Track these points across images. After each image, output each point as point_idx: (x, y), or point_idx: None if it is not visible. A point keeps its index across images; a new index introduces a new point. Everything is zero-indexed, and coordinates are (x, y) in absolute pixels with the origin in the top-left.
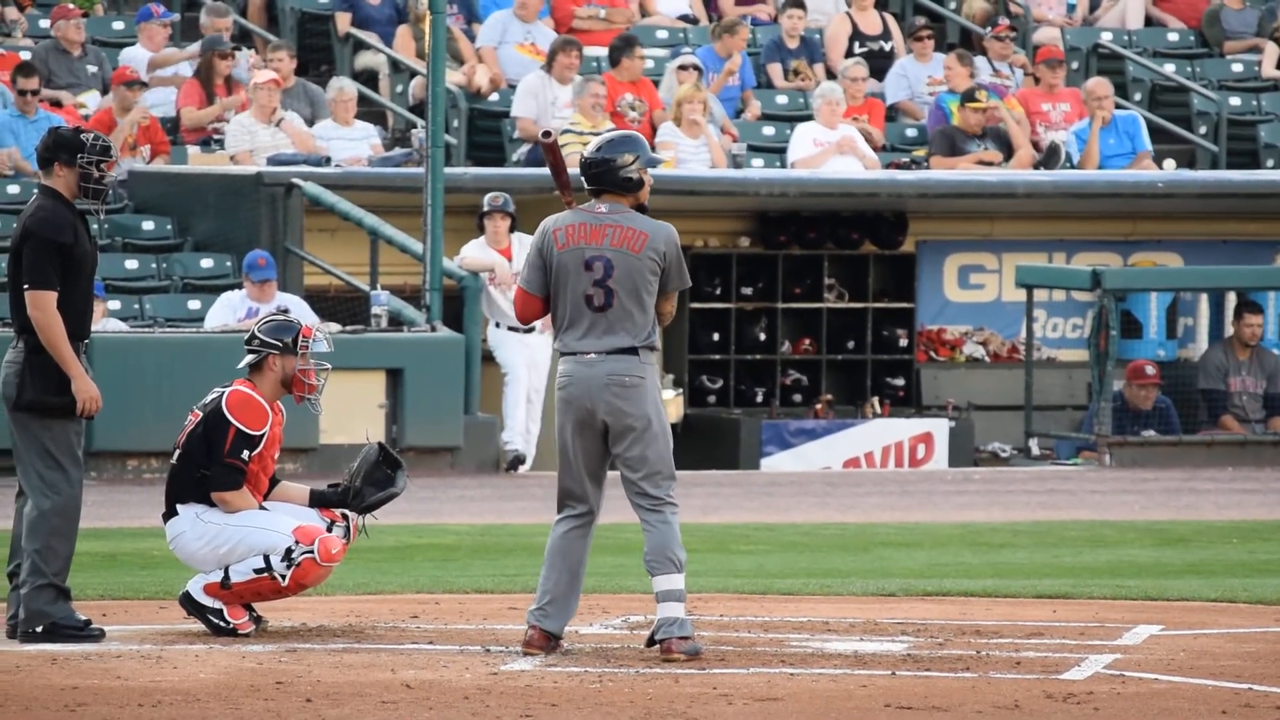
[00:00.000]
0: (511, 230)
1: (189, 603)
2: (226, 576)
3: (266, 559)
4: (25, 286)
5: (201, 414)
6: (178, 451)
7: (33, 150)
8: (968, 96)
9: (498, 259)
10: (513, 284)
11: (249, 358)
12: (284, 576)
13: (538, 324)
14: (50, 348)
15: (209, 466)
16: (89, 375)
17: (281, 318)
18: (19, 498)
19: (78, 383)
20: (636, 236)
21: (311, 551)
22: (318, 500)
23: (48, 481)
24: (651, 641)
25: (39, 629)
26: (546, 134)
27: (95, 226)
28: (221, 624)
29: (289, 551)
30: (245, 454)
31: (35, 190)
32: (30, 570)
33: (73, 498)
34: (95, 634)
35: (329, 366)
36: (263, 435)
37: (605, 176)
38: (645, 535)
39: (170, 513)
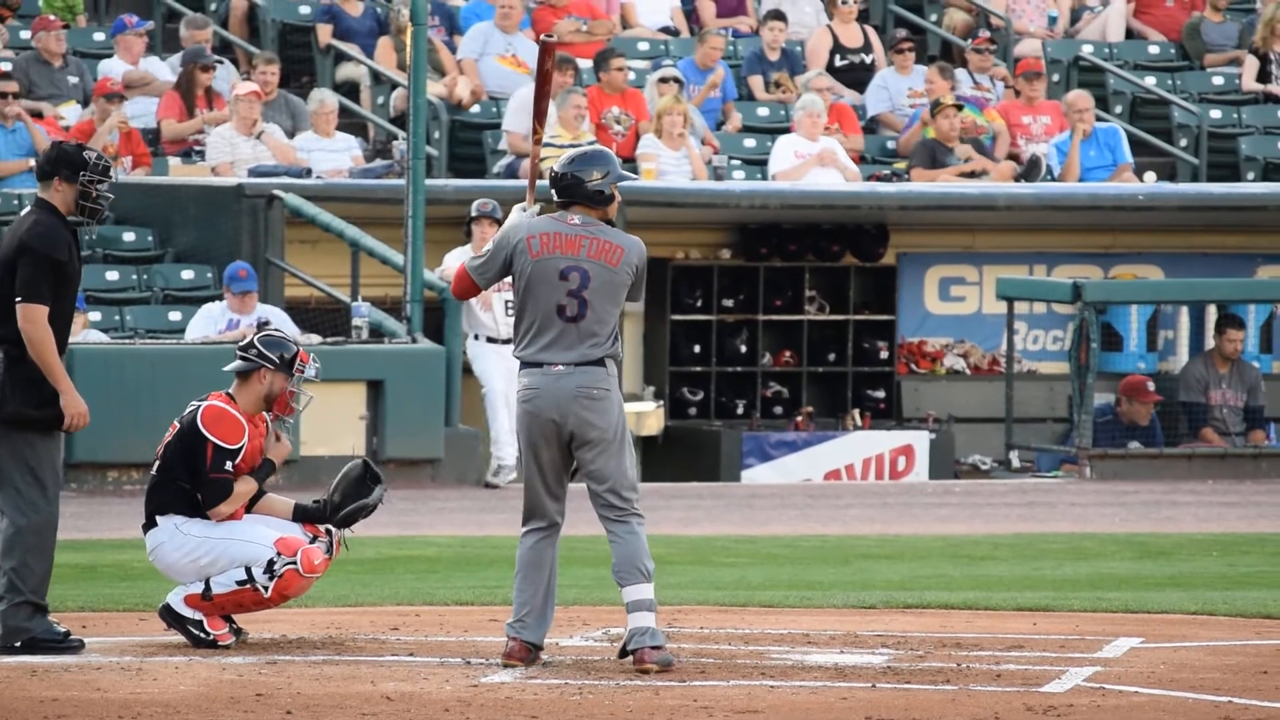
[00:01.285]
0: None
1: (169, 615)
2: (208, 588)
3: (248, 570)
4: (18, 299)
5: (179, 426)
6: (157, 462)
7: (8, 156)
8: (934, 106)
9: None
10: (492, 297)
11: (239, 364)
12: (266, 588)
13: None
14: (40, 361)
15: (190, 482)
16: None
17: (282, 335)
18: None
19: (66, 397)
20: (614, 249)
21: (294, 563)
22: (300, 515)
23: (26, 498)
24: (624, 652)
25: (17, 644)
26: (549, 35)
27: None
28: (202, 635)
29: (271, 563)
30: (228, 464)
31: (30, 203)
32: (6, 587)
33: (50, 515)
34: (74, 645)
35: (312, 396)
36: (240, 448)
37: (575, 190)
38: (612, 546)
39: (149, 524)
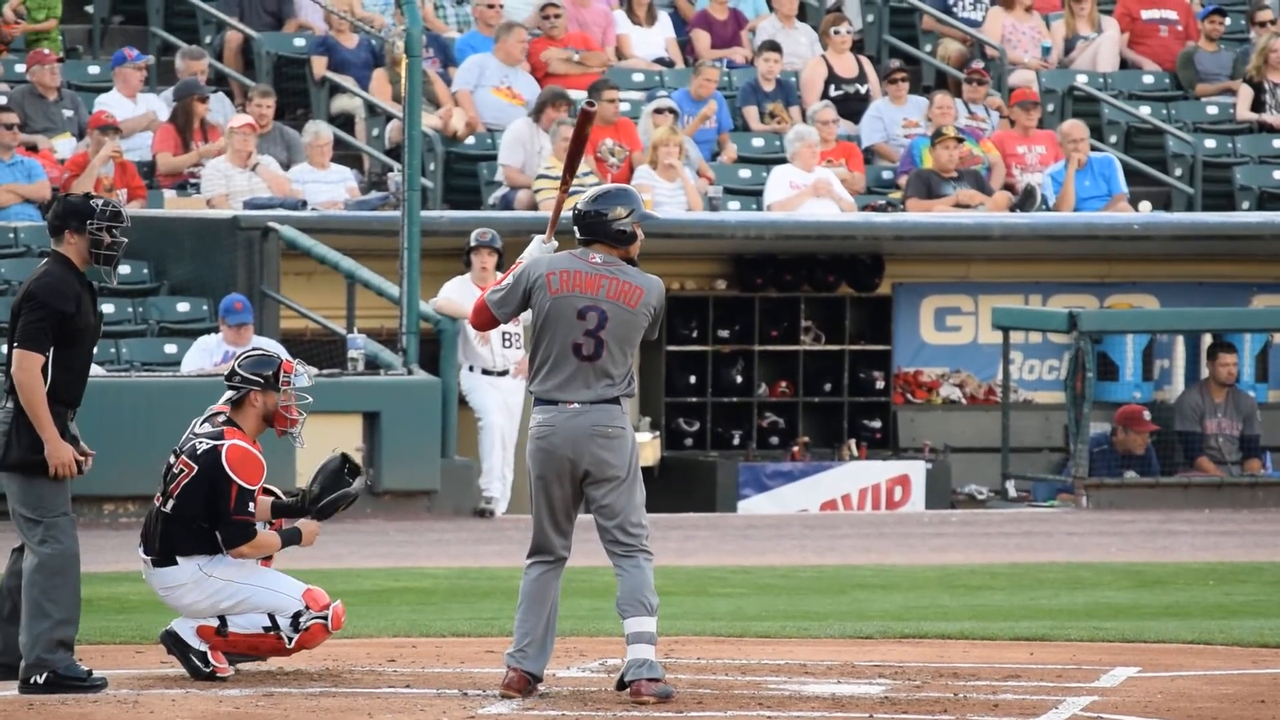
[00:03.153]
0: (498, 267)
1: (173, 641)
2: (224, 624)
3: (273, 618)
4: (14, 344)
5: (196, 466)
6: (171, 501)
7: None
8: (936, 135)
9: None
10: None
11: (229, 394)
12: (290, 639)
13: (511, 368)
14: (27, 407)
15: (209, 521)
16: (79, 442)
17: (261, 353)
18: (16, 551)
19: (50, 446)
20: (633, 291)
21: (324, 618)
22: (278, 510)
23: (41, 535)
24: (622, 684)
25: (40, 679)
26: (590, 103)
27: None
28: (202, 666)
29: (297, 616)
30: (251, 506)
31: (46, 257)
32: (31, 616)
33: (68, 548)
34: (98, 683)
35: (310, 399)
36: (258, 489)
37: (598, 228)
38: (618, 580)
39: (167, 561)
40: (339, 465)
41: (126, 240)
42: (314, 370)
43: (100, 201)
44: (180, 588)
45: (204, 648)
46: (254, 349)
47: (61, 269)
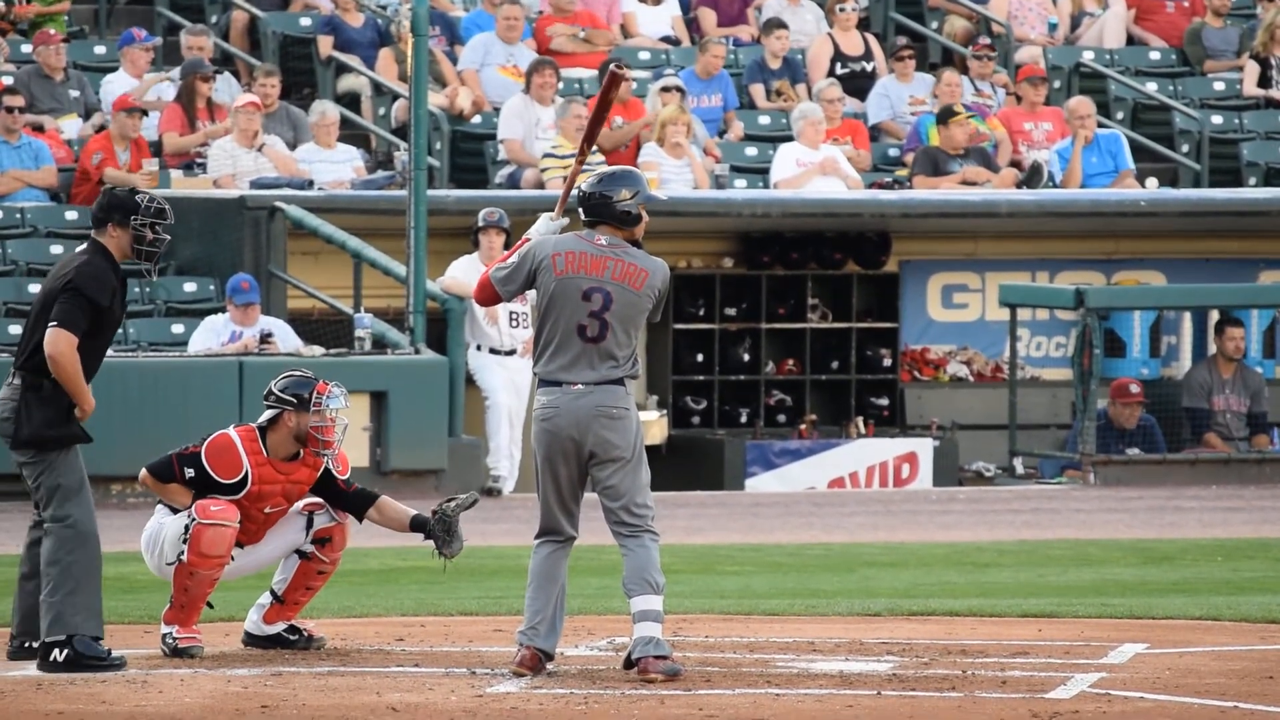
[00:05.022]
0: (506, 247)
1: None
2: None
3: (179, 555)
4: (52, 323)
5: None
6: None
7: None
8: (945, 114)
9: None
10: (498, 309)
11: (266, 413)
12: (184, 555)
13: (518, 347)
14: (67, 380)
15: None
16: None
17: (299, 374)
18: (34, 527)
19: (85, 405)
20: (638, 273)
21: (194, 517)
22: (414, 523)
23: (55, 513)
24: (629, 662)
25: (60, 656)
26: (619, 65)
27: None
28: (170, 643)
29: (186, 528)
30: (188, 471)
31: (85, 243)
32: (54, 580)
33: (84, 516)
34: (117, 663)
35: (346, 422)
36: (230, 484)
37: (602, 210)
38: (624, 559)
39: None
40: (453, 515)
41: (169, 238)
42: (319, 350)
43: (145, 197)
44: (150, 523)
45: (169, 629)
46: (296, 371)
47: (102, 260)
